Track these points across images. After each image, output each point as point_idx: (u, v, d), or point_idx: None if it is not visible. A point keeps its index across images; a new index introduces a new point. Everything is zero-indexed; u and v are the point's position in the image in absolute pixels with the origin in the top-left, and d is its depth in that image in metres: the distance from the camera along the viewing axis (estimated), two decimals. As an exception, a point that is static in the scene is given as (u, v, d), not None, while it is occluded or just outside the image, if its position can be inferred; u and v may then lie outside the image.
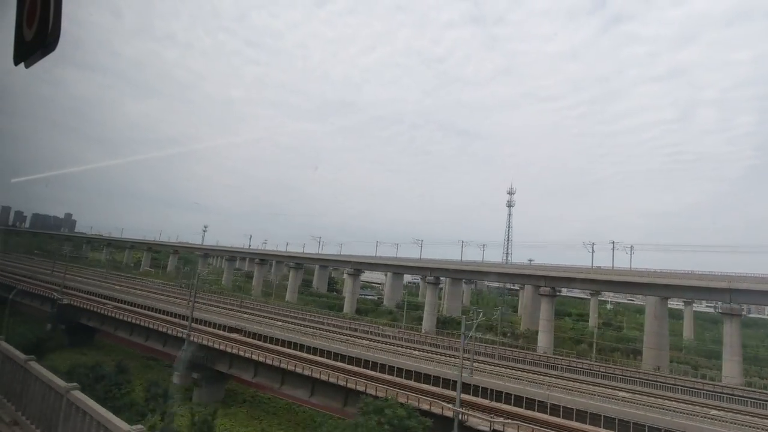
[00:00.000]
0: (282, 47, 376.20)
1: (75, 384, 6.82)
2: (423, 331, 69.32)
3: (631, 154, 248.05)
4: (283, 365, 40.32)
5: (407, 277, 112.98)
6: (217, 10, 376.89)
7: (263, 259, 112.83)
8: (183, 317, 52.65)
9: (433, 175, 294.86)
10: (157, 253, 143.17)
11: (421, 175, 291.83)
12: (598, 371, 48.39)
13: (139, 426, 5.66)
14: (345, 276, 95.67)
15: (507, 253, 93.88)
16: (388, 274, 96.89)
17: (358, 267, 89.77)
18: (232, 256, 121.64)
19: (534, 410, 32.09)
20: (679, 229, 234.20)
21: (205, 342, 45.73)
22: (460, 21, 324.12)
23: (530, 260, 76.76)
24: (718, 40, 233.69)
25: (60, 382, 6.98)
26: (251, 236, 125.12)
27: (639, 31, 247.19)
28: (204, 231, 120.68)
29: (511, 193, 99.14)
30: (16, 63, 2.45)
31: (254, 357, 42.35)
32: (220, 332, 50.70)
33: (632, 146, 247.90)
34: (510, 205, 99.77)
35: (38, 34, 2.35)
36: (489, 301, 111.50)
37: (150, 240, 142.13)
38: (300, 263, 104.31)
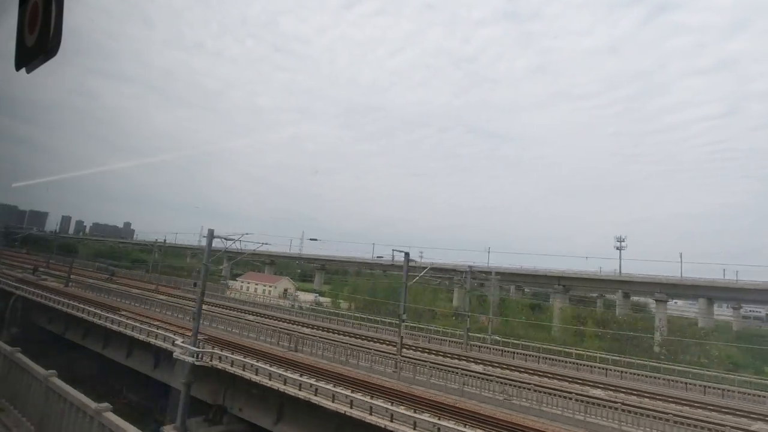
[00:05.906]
0: (309, 52, 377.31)
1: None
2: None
3: (670, 153, 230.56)
4: None
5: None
6: (246, 17, 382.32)
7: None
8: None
9: (462, 178, 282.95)
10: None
11: (448, 179, 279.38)
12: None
13: (105, 404, 6.14)
14: (655, 303, 63.33)
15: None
16: (618, 292, 70.86)
17: (653, 290, 61.85)
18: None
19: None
20: (719, 231, 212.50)
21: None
22: (492, 18, 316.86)
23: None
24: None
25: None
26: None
27: (685, 20, 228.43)
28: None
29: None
30: (18, 68, 2.46)
31: None
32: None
33: (672, 144, 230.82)
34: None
35: (40, 40, 2.36)
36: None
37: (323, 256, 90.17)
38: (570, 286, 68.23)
